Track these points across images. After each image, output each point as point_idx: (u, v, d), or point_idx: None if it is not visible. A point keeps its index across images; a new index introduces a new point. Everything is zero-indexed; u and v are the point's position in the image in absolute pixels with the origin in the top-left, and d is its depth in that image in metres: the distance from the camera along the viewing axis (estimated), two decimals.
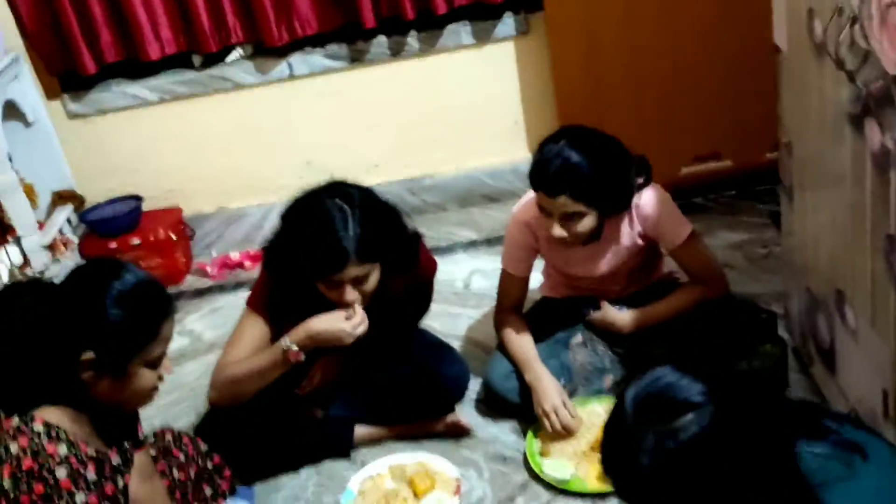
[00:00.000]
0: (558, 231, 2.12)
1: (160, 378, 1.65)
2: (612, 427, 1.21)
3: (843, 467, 1.19)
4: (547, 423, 2.20)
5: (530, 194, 2.25)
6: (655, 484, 1.16)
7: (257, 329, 2.19)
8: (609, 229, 2.24)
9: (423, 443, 2.38)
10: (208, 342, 3.05)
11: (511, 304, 2.41)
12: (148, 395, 1.65)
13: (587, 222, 2.11)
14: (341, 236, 1.95)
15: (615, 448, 1.20)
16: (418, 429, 2.39)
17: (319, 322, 2.03)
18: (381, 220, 2.04)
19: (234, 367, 2.13)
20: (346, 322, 2.02)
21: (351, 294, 2.00)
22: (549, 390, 2.22)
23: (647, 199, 2.22)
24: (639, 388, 1.20)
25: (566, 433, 2.21)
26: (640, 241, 2.27)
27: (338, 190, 2.02)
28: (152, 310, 1.61)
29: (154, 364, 1.61)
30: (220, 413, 2.25)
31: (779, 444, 1.16)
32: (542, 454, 2.23)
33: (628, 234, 2.26)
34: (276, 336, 2.16)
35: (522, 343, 2.33)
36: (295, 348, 2.04)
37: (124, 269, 1.61)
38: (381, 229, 2.02)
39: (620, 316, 2.34)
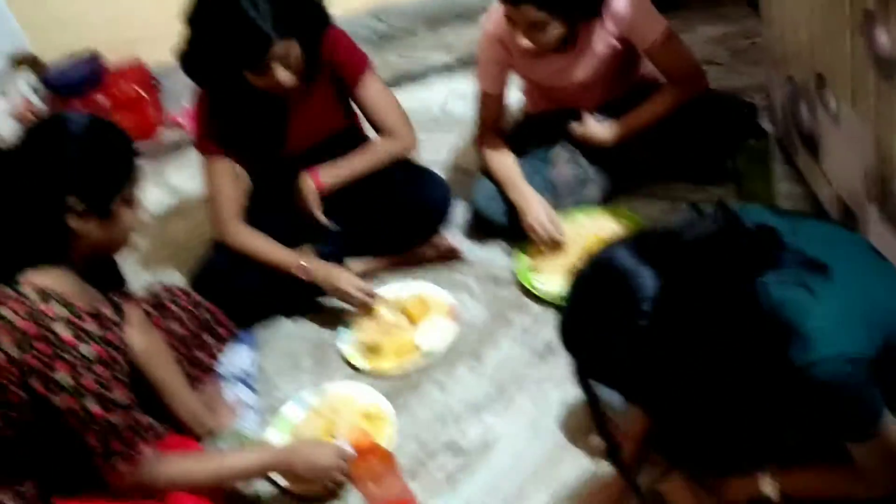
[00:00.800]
0: (525, 42, 2.05)
1: (137, 216, 1.69)
2: (565, 312, 1.22)
3: (806, 293, 1.19)
4: (534, 237, 2.20)
5: (498, 5, 2.16)
6: (602, 370, 1.20)
7: (224, 172, 2.22)
8: (582, 35, 2.16)
9: (414, 270, 2.40)
10: (193, 198, 3.01)
11: (491, 123, 2.37)
12: (128, 234, 1.69)
13: (553, 31, 2.04)
14: (253, 17, 1.93)
15: (565, 333, 1.22)
16: (408, 257, 2.40)
17: (340, 280, 2.17)
18: None
19: (246, 238, 2.22)
20: (355, 289, 2.17)
21: (283, 74, 2.00)
22: (533, 205, 2.22)
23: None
24: (590, 272, 1.20)
25: (554, 246, 2.21)
26: (615, 44, 2.20)
27: None
28: (118, 144, 1.63)
29: (130, 202, 1.65)
30: (213, 265, 2.27)
31: (735, 308, 1.16)
32: (532, 270, 2.25)
33: (602, 37, 2.19)
34: (240, 163, 2.20)
35: (505, 162, 2.31)
36: (303, 273, 2.18)
37: (73, 116, 1.61)
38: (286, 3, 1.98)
39: (601, 129, 2.30)
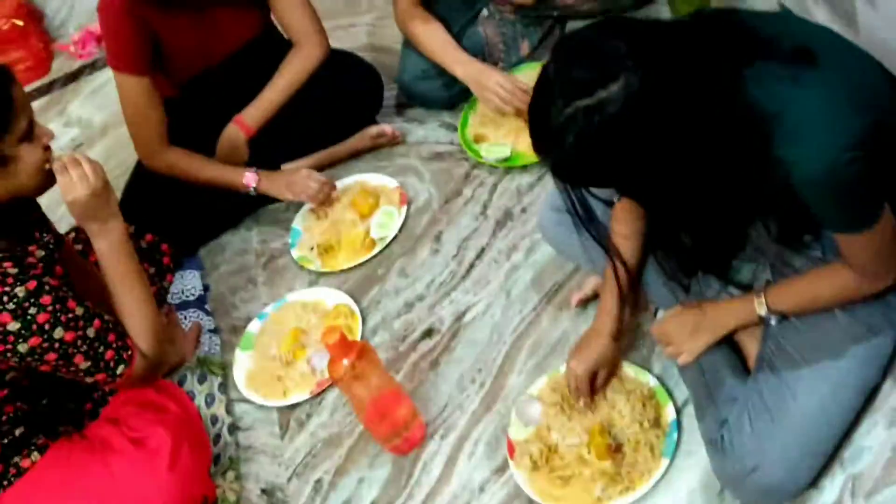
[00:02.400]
0: None
1: (46, 148, 1.54)
2: (536, 104, 1.10)
3: (790, 85, 1.11)
4: (497, 100, 2.07)
5: None
6: (585, 162, 1.09)
7: (147, 92, 2.07)
8: None
9: (355, 163, 2.30)
10: (101, 125, 2.85)
11: None
12: (43, 171, 1.54)
13: None
14: None
15: (541, 127, 1.10)
16: (347, 150, 2.31)
17: (298, 184, 2.12)
18: None
19: (180, 159, 2.12)
20: (318, 184, 2.13)
21: None
22: (485, 68, 2.11)
23: None
24: (559, 56, 1.08)
25: (518, 103, 2.07)
26: None
27: None
28: None
29: (29, 137, 1.49)
30: (140, 193, 2.19)
31: (718, 96, 1.08)
32: (477, 140, 2.18)
33: None
34: (157, 75, 2.08)
35: (436, 33, 2.17)
36: (252, 189, 2.12)
37: None
38: None
39: None
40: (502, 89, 2.06)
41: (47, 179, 1.55)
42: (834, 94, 1.12)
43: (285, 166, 2.26)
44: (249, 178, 2.12)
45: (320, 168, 2.26)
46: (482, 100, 2.10)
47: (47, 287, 1.46)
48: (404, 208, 2.12)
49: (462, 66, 2.12)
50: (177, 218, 2.16)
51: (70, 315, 1.47)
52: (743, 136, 1.10)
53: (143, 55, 2.04)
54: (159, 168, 2.13)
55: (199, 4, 1.99)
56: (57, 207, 1.87)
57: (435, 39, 2.16)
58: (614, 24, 1.07)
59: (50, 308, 1.45)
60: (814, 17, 1.75)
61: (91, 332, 1.50)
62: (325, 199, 2.15)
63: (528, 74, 2.21)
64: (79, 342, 1.48)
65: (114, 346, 1.54)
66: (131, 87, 2.06)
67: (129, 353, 1.56)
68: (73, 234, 1.99)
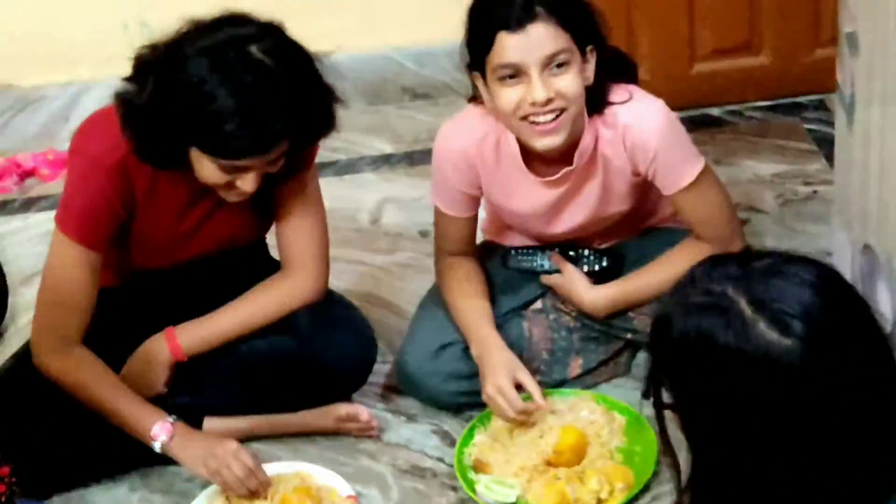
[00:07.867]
0: (540, 92, 1.61)
1: None
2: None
3: None
4: (495, 412, 1.75)
5: (464, 112, 1.81)
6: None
7: (83, 267, 1.70)
8: (588, 163, 1.74)
9: (303, 445, 1.86)
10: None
11: (455, 247, 1.90)
12: None
13: (573, 76, 1.64)
14: (268, 112, 1.56)
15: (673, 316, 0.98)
16: (299, 425, 1.88)
17: (220, 459, 1.68)
18: (306, 76, 1.62)
19: (88, 374, 1.74)
20: (245, 474, 1.69)
21: (251, 183, 1.60)
22: (497, 364, 1.74)
23: (645, 119, 1.74)
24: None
25: (521, 425, 1.73)
26: (629, 179, 1.80)
27: (247, 32, 1.60)
28: None
29: None
30: (12, 395, 1.78)
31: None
32: (477, 468, 1.76)
33: (614, 166, 1.77)
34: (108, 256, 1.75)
35: (469, 299, 1.83)
36: (157, 445, 1.72)
37: None
38: (307, 91, 1.63)
39: (590, 294, 1.82)
40: (500, 399, 1.70)
41: None
42: None
43: (210, 422, 1.82)
44: (159, 430, 1.71)
45: (255, 437, 1.81)
46: (484, 398, 1.75)
47: None
48: None
49: (478, 344, 1.77)
50: (41, 443, 1.72)
51: None
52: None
53: (108, 230, 1.69)
54: (52, 370, 1.73)
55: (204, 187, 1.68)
56: None
57: (467, 304, 1.82)
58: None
59: None
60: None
61: None
62: (246, 495, 1.70)
63: (569, 402, 1.81)
64: None
65: None
66: (73, 259, 1.68)
67: None
68: None
